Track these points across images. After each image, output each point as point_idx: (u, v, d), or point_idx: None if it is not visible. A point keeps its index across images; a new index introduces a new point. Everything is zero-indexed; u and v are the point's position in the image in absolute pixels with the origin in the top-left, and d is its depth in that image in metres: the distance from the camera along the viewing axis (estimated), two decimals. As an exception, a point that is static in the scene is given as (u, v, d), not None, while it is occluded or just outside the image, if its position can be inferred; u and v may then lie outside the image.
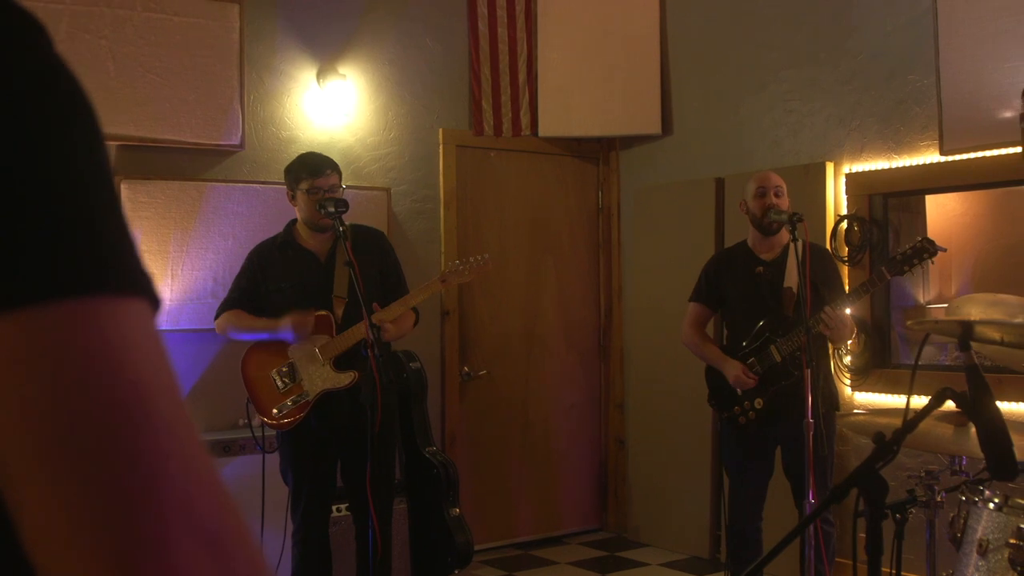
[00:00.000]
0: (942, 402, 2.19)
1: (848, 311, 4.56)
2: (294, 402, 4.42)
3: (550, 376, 6.89)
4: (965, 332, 2.46)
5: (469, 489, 6.08)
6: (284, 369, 4.46)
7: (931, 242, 4.24)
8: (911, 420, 2.13)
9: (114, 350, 0.57)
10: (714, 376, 4.78)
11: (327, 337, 4.43)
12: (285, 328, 4.39)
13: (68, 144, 0.60)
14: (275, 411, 4.44)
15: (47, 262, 0.56)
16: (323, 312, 4.44)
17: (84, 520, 0.54)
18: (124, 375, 0.57)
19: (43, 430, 0.54)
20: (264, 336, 4.48)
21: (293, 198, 4.53)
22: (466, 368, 6.50)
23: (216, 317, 4.62)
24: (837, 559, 4.75)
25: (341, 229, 4.25)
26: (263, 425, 4.54)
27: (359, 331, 4.27)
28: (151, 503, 0.55)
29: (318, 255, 4.55)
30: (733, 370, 4.59)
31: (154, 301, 0.61)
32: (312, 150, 4.97)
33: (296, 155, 4.78)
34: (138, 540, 0.54)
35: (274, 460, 4.64)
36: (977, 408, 2.26)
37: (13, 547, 0.55)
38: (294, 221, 4.64)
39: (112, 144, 5.05)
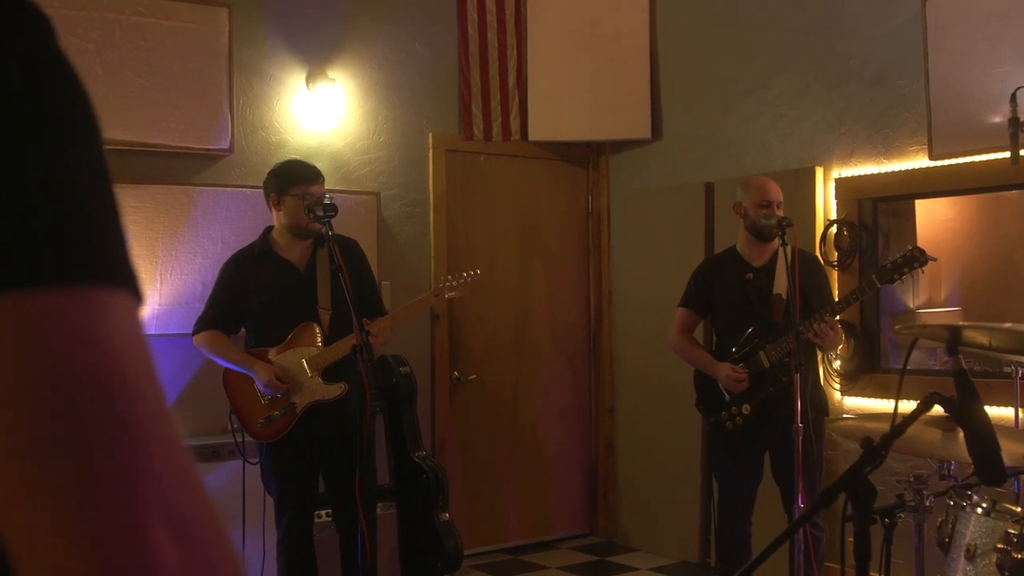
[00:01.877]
0: (930, 407, 2.19)
1: (837, 318, 4.57)
2: (281, 413, 4.38)
3: (540, 380, 6.88)
4: (953, 337, 2.46)
5: (459, 494, 6.07)
6: None
7: (922, 251, 4.24)
8: (899, 425, 2.13)
9: (101, 339, 0.58)
10: (703, 380, 4.77)
11: (315, 349, 4.41)
12: (260, 377, 4.34)
13: (65, 135, 0.60)
14: (260, 422, 4.41)
15: (38, 248, 0.57)
16: (311, 324, 4.43)
17: (59, 502, 0.54)
18: (110, 363, 0.57)
19: (26, 411, 0.55)
20: (239, 370, 4.42)
21: (279, 202, 4.46)
22: (456, 372, 6.49)
23: (195, 331, 4.53)
24: (826, 563, 4.76)
25: (330, 234, 4.21)
26: (244, 433, 4.49)
27: (347, 345, 4.25)
28: (127, 489, 0.56)
29: (297, 266, 4.50)
30: (725, 371, 4.59)
31: (139, 296, 0.62)
32: (297, 157, 4.97)
33: (284, 160, 4.79)
34: (111, 525, 0.55)
35: (255, 467, 4.60)
36: (965, 413, 2.26)
37: None
38: (270, 229, 4.59)
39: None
